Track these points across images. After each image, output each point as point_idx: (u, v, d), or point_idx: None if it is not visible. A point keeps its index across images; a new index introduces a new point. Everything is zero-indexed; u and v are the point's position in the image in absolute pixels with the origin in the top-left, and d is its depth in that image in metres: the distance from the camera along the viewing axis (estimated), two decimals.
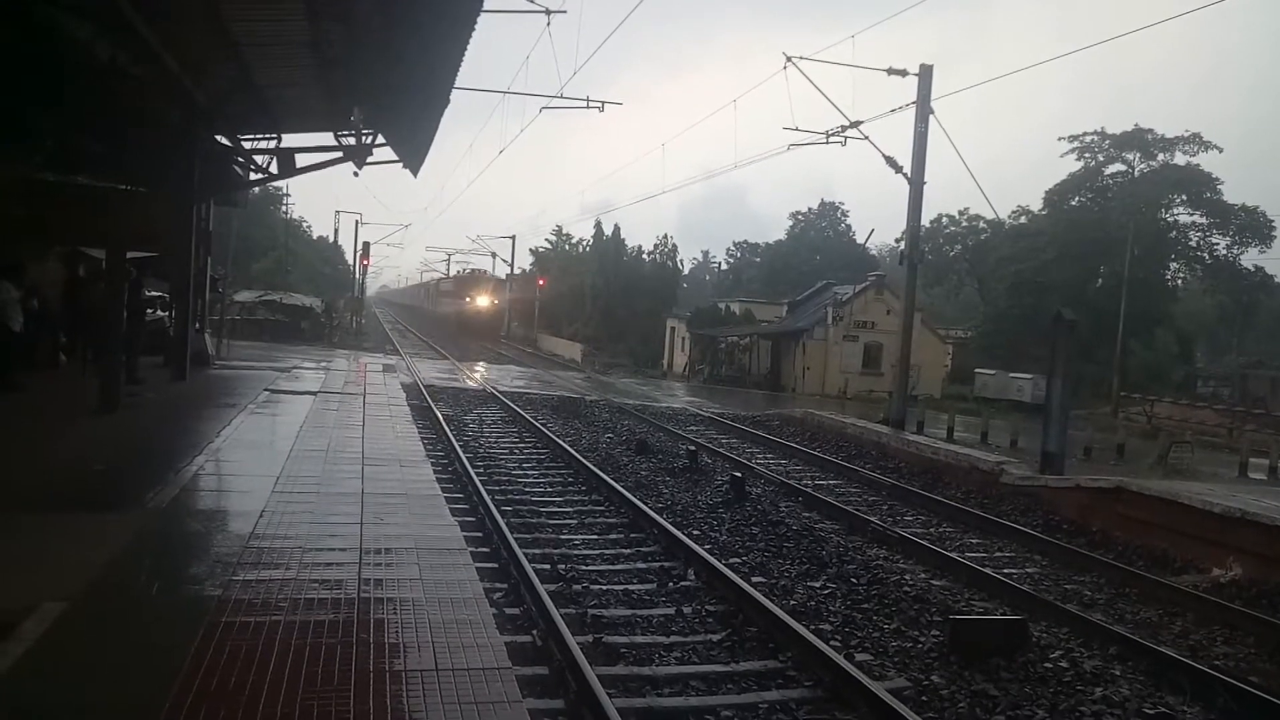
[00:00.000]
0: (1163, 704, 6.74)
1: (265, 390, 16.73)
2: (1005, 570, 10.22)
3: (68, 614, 5.06)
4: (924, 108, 20.56)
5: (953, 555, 10.47)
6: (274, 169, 21.19)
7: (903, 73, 20.79)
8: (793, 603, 8.43)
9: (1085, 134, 52.26)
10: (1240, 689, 6.84)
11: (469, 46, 12.54)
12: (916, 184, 21.37)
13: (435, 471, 10.75)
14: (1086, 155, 52.21)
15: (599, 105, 22.85)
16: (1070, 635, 8.10)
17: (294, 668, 4.55)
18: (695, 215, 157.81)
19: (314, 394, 16.80)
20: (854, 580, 9.33)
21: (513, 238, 62.65)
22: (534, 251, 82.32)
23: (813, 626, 7.59)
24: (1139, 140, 50.37)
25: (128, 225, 13.05)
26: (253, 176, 22.09)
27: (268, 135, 20.77)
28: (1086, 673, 7.21)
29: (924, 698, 6.56)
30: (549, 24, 16.02)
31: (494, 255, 60.73)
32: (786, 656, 6.98)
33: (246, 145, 20.89)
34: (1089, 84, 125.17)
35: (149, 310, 19.77)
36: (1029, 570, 10.52)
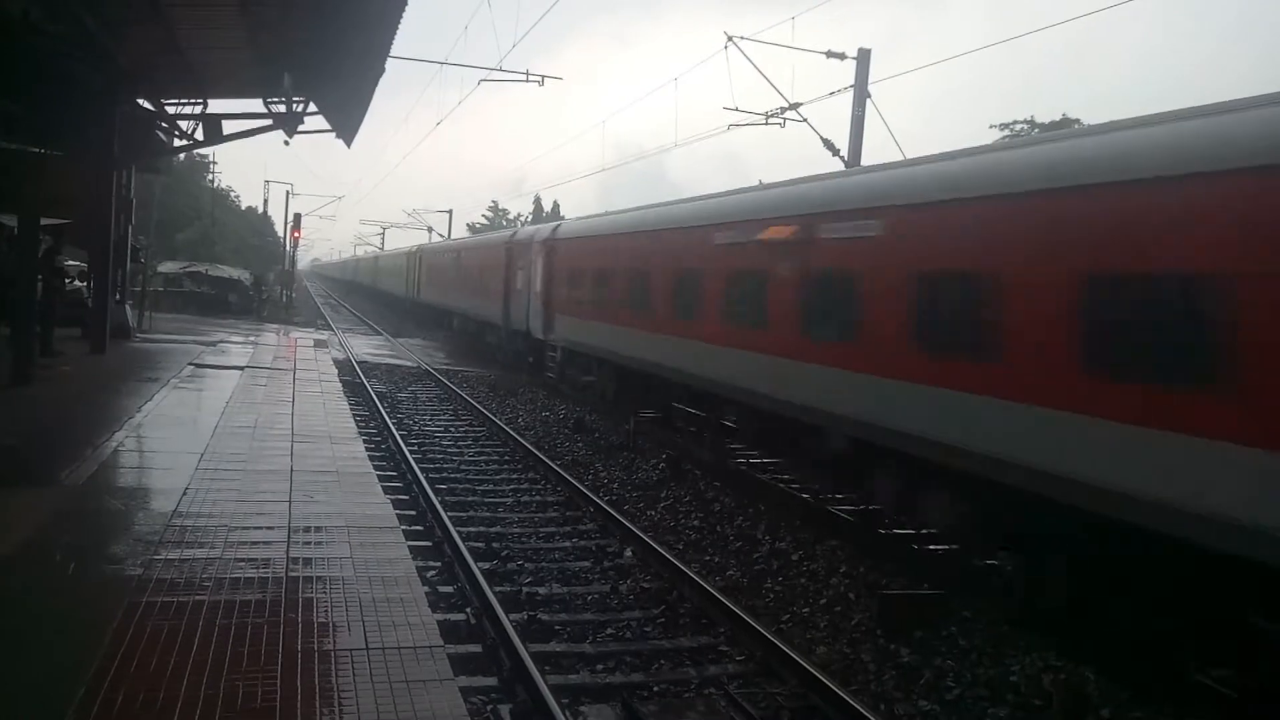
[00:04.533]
0: None
1: (190, 364, 16.22)
2: None
3: None
4: (861, 91, 20.75)
5: None
6: (200, 135, 20.44)
7: (841, 56, 20.94)
8: None
9: (1015, 122, 53.43)
10: None
11: (404, 11, 12.27)
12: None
13: (367, 448, 10.60)
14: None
15: (539, 79, 22.45)
16: None
17: (219, 647, 4.46)
18: (618, 189, 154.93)
19: (241, 369, 16.35)
20: None
21: (449, 212, 61.50)
22: (471, 226, 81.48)
23: None
24: (1066, 128, 51.82)
25: (40, 190, 12.50)
26: (177, 143, 21.31)
27: (194, 100, 20.04)
28: None
29: None
30: None
31: (430, 230, 59.62)
32: None
33: (171, 110, 20.14)
34: (1027, 71, 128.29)
35: (65, 279, 18.97)
36: None
